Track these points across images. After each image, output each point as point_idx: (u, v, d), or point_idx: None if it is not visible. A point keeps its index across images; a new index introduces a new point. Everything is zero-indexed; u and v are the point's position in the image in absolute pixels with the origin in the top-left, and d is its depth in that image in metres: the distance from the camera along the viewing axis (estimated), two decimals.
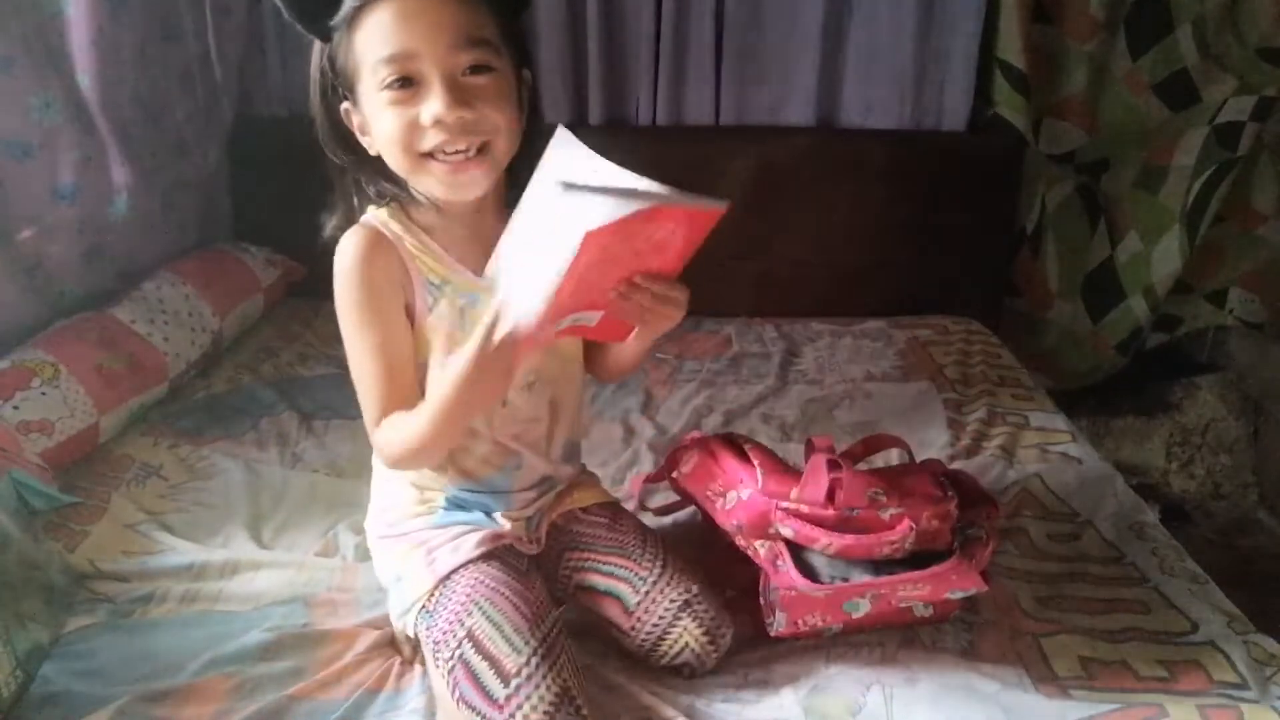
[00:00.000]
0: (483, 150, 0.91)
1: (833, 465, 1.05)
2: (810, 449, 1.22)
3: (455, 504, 1.06)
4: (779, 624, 1.03)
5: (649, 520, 1.26)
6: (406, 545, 1.05)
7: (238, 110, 2.08)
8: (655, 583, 1.03)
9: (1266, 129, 2.06)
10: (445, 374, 0.88)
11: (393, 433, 0.95)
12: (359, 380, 0.97)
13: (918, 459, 1.23)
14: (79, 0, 1.55)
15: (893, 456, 1.34)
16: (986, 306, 2.19)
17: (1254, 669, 1.02)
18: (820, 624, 1.04)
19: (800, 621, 1.04)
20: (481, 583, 0.97)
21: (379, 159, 0.96)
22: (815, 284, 2.17)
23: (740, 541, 1.08)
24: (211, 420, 1.58)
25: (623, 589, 1.04)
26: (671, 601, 1.01)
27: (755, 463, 1.09)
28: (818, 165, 2.11)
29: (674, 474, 1.22)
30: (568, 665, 0.91)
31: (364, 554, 1.21)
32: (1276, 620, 1.13)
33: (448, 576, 0.99)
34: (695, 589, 1.03)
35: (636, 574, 1.04)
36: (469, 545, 1.01)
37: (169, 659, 1.02)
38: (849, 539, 1.01)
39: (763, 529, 1.05)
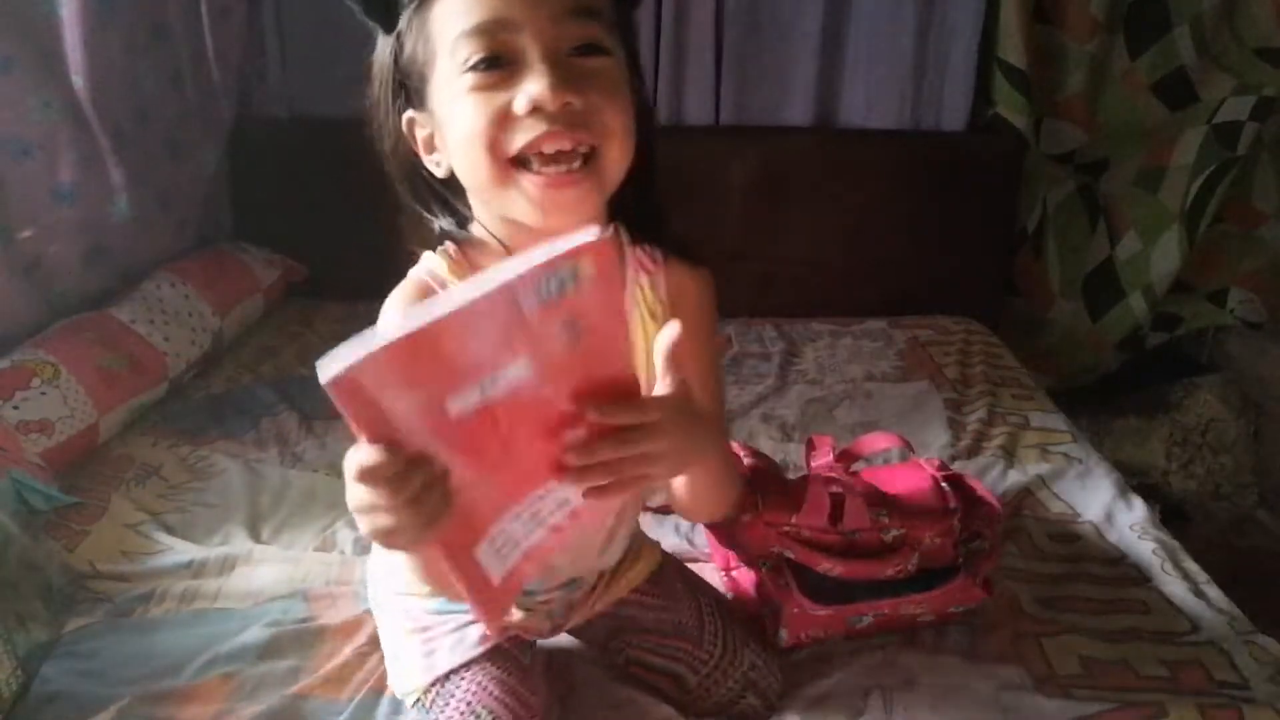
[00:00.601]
0: (589, 161, 0.69)
1: (832, 485, 1.03)
2: (810, 449, 1.22)
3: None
4: (782, 638, 1.03)
5: (649, 519, 1.25)
6: (405, 625, 0.94)
7: (238, 110, 2.08)
8: (717, 664, 0.96)
9: (1266, 129, 2.07)
10: None
11: None
12: None
13: (918, 459, 1.23)
14: (71, 1, 1.55)
15: (893, 455, 1.34)
16: (987, 306, 2.19)
17: (1254, 669, 1.02)
18: (823, 635, 1.05)
19: (804, 635, 1.04)
20: (483, 689, 0.87)
21: (448, 185, 0.76)
22: (815, 284, 2.17)
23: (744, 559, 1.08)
24: (211, 420, 1.58)
25: (682, 670, 0.97)
26: (735, 682, 0.96)
27: (754, 488, 1.07)
28: (818, 165, 2.11)
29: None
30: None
31: (362, 549, 1.22)
32: (1276, 620, 1.13)
33: (446, 676, 0.90)
34: (758, 664, 0.97)
35: (697, 656, 0.96)
36: (471, 639, 0.90)
37: (169, 658, 1.02)
38: (852, 565, 1.01)
39: (764, 549, 1.05)
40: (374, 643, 1.04)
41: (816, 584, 1.02)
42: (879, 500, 1.04)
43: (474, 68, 0.68)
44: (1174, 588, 1.17)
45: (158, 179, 1.83)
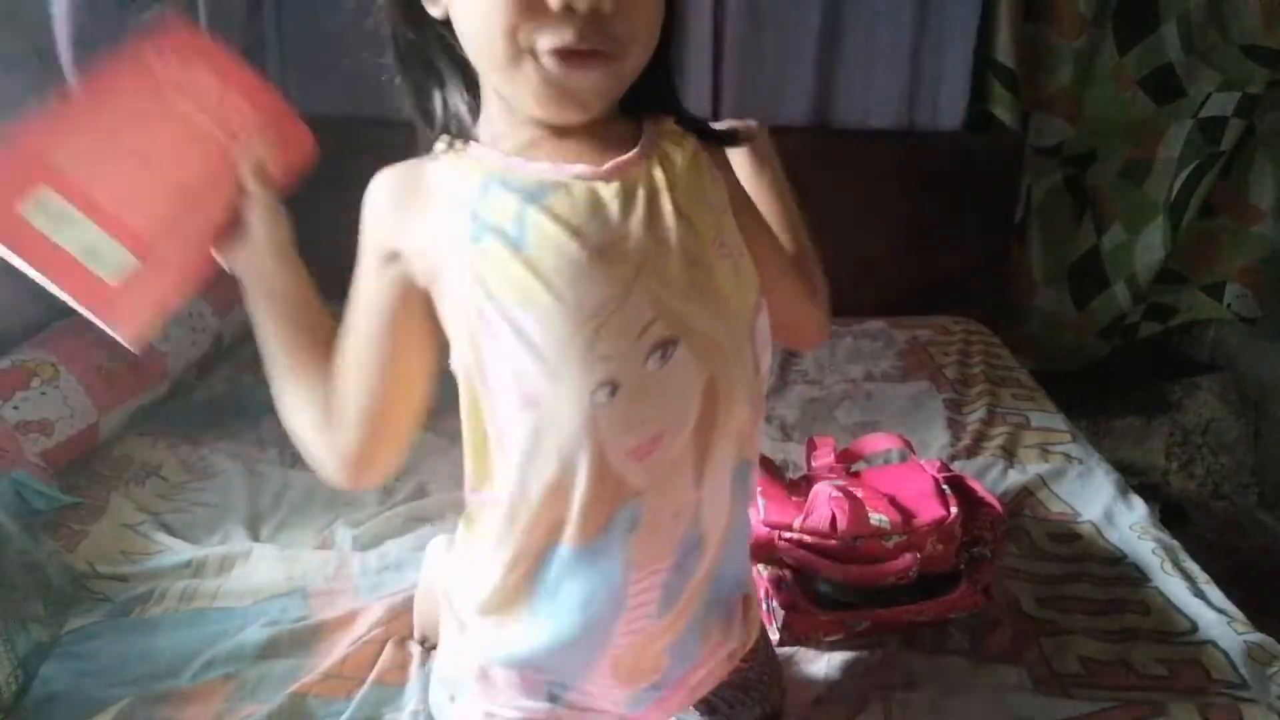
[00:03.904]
0: (610, 57, 0.62)
1: (833, 490, 1.03)
2: (811, 449, 1.22)
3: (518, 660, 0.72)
4: (780, 636, 1.04)
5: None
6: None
7: None
8: (747, 703, 0.89)
9: (1261, 125, 2.08)
10: None
11: None
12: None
13: (919, 459, 1.23)
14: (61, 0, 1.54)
15: (893, 455, 1.34)
16: (986, 304, 2.19)
17: (1254, 669, 1.02)
18: (822, 636, 1.05)
19: (802, 635, 1.04)
20: None
21: (446, 46, 0.68)
22: None
23: None
24: (211, 420, 1.57)
25: (720, 705, 0.89)
26: (753, 710, 0.90)
27: (757, 490, 1.07)
28: (815, 165, 2.11)
29: None
30: None
31: (361, 544, 1.22)
32: (1276, 620, 1.13)
33: None
34: (776, 689, 0.93)
35: (739, 699, 0.88)
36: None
37: (169, 658, 1.02)
38: (853, 570, 1.01)
39: (767, 554, 1.05)
40: (371, 633, 1.05)
41: (818, 590, 1.02)
42: (880, 506, 1.04)
43: None
44: (1174, 588, 1.17)
45: None
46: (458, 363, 0.67)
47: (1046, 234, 2.29)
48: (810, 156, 2.13)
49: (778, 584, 1.04)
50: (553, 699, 0.73)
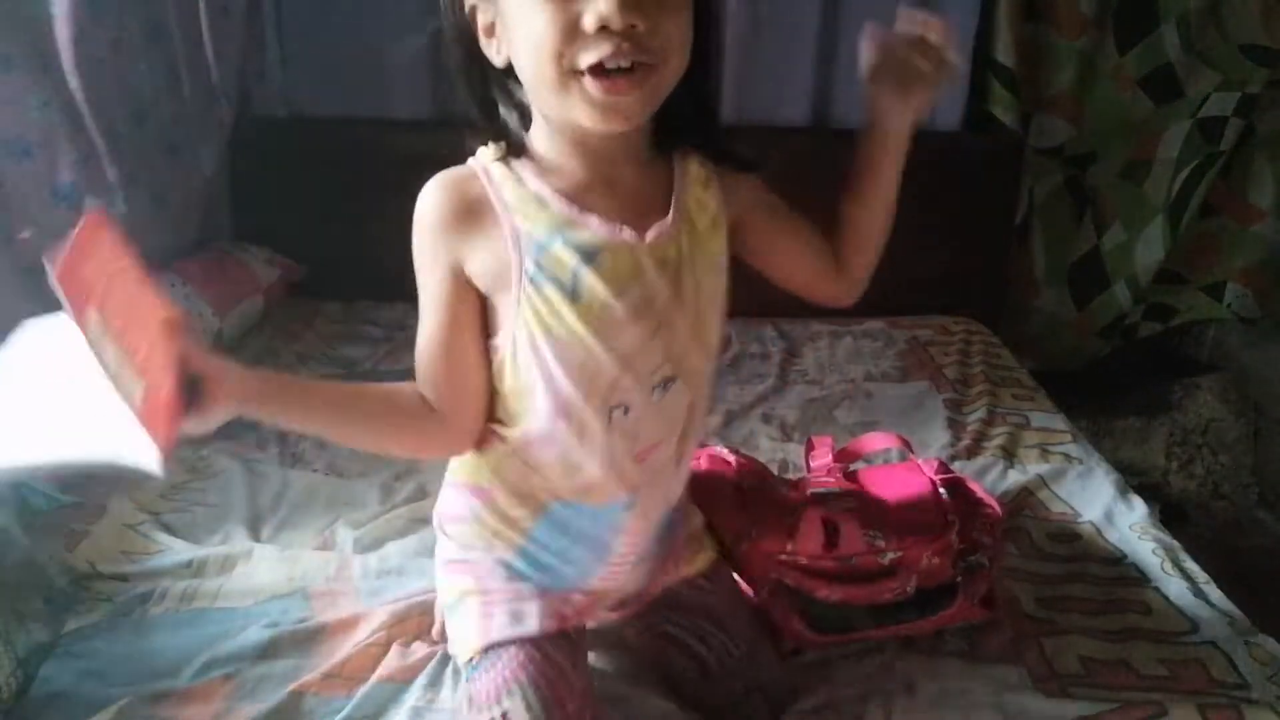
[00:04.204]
0: (645, 72, 0.72)
1: (824, 510, 1.03)
2: (810, 449, 1.22)
3: (536, 555, 0.91)
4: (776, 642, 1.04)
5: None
6: (466, 584, 0.93)
7: (237, 110, 2.08)
8: (739, 661, 0.97)
9: (1262, 124, 2.08)
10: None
11: None
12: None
13: (918, 459, 1.23)
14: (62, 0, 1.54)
15: (892, 454, 1.34)
16: (986, 304, 2.19)
17: (1254, 669, 1.02)
18: (823, 646, 1.05)
19: (802, 647, 1.05)
20: (531, 661, 0.86)
21: (505, 73, 0.78)
22: None
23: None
24: None
25: (708, 655, 0.97)
26: (751, 682, 0.97)
27: (748, 514, 1.07)
28: (815, 165, 2.10)
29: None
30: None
31: (362, 546, 1.22)
32: (1276, 620, 1.13)
33: (498, 644, 0.89)
34: (776, 674, 0.99)
35: (725, 647, 0.97)
36: (531, 617, 0.89)
37: (169, 658, 1.02)
38: (850, 589, 1.00)
39: (762, 575, 1.05)
40: (374, 636, 1.05)
41: (815, 612, 1.02)
42: (874, 520, 1.03)
43: None
44: (1174, 588, 1.17)
45: (156, 179, 1.83)
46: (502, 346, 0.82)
47: (1048, 234, 2.29)
48: (810, 156, 2.13)
49: (775, 606, 1.03)
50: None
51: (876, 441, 1.25)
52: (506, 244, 0.78)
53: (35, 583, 1.08)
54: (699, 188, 0.85)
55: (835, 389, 1.80)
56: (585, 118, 0.73)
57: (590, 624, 1.00)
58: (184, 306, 1.72)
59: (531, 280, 0.78)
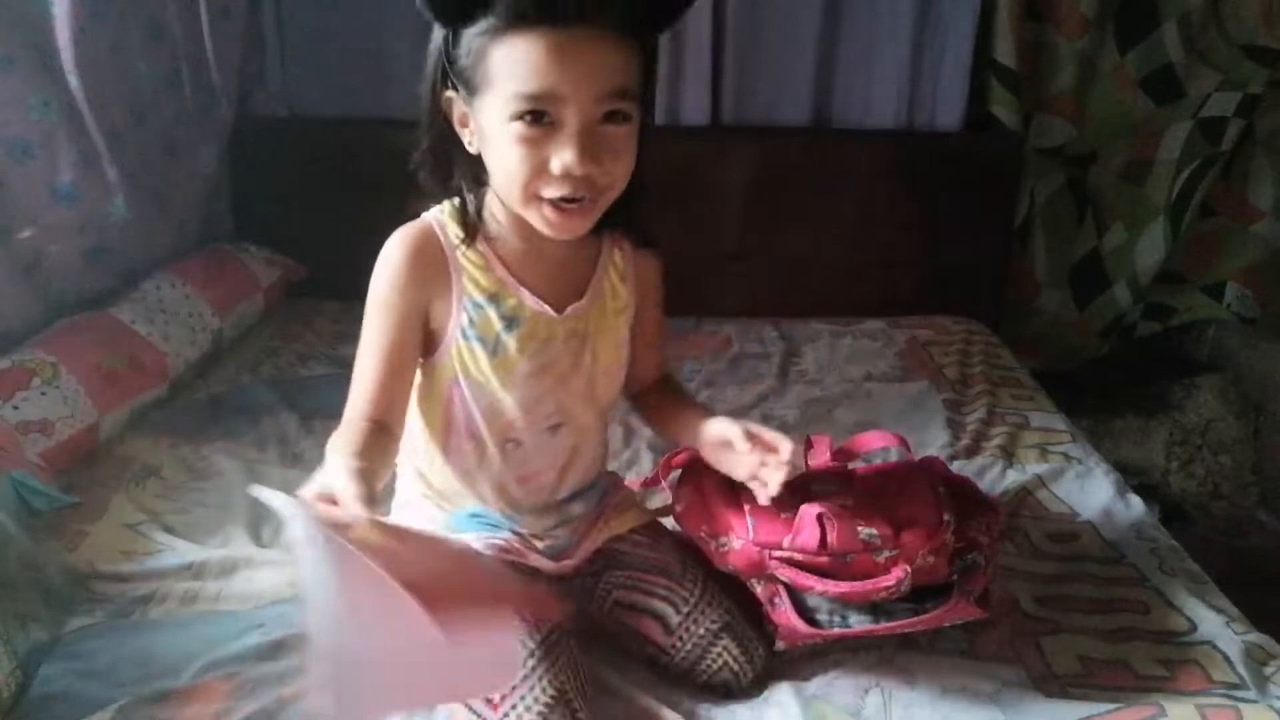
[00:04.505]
0: (592, 201, 0.88)
1: (819, 508, 1.03)
2: (808, 448, 1.22)
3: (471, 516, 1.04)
4: (777, 644, 1.05)
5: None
6: (416, 522, 1.03)
7: (237, 110, 2.08)
8: (696, 604, 1.02)
9: (1261, 125, 2.08)
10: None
11: (336, 439, 0.85)
12: (356, 367, 0.94)
13: (916, 459, 1.22)
14: (62, 0, 1.55)
15: (890, 453, 1.33)
16: (986, 304, 2.19)
17: (1253, 669, 1.02)
18: (819, 641, 1.05)
19: (799, 644, 1.05)
20: None
21: (474, 159, 0.92)
22: (815, 284, 2.17)
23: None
24: (211, 420, 1.58)
25: (663, 608, 1.03)
26: (712, 623, 1.01)
27: (745, 508, 1.06)
28: (815, 165, 2.12)
29: (675, 508, 1.21)
30: (566, 668, 0.91)
31: None
32: (1276, 620, 1.13)
33: None
34: (735, 611, 1.03)
35: (678, 594, 1.03)
36: (478, 545, 0.98)
37: (169, 659, 1.02)
38: (845, 586, 1.00)
39: (759, 572, 1.05)
40: None
41: (810, 604, 1.02)
42: (869, 519, 1.03)
43: (521, 119, 0.83)
44: (1173, 588, 1.17)
45: (156, 179, 1.83)
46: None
47: (1049, 235, 2.29)
48: (810, 157, 2.14)
49: (771, 602, 1.03)
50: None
51: (875, 440, 1.25)
52: (454, 300, 0.94)
53: (35, 583, 1.08)
54: (616, 277, 1.02)
55: (835, 389, 1.80)
56: (541, 228, 0.89)
57: (542, 568, 1.03)
58: (184, 306, 1.72)
59: (464, 333, 0.94)
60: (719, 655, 1.01)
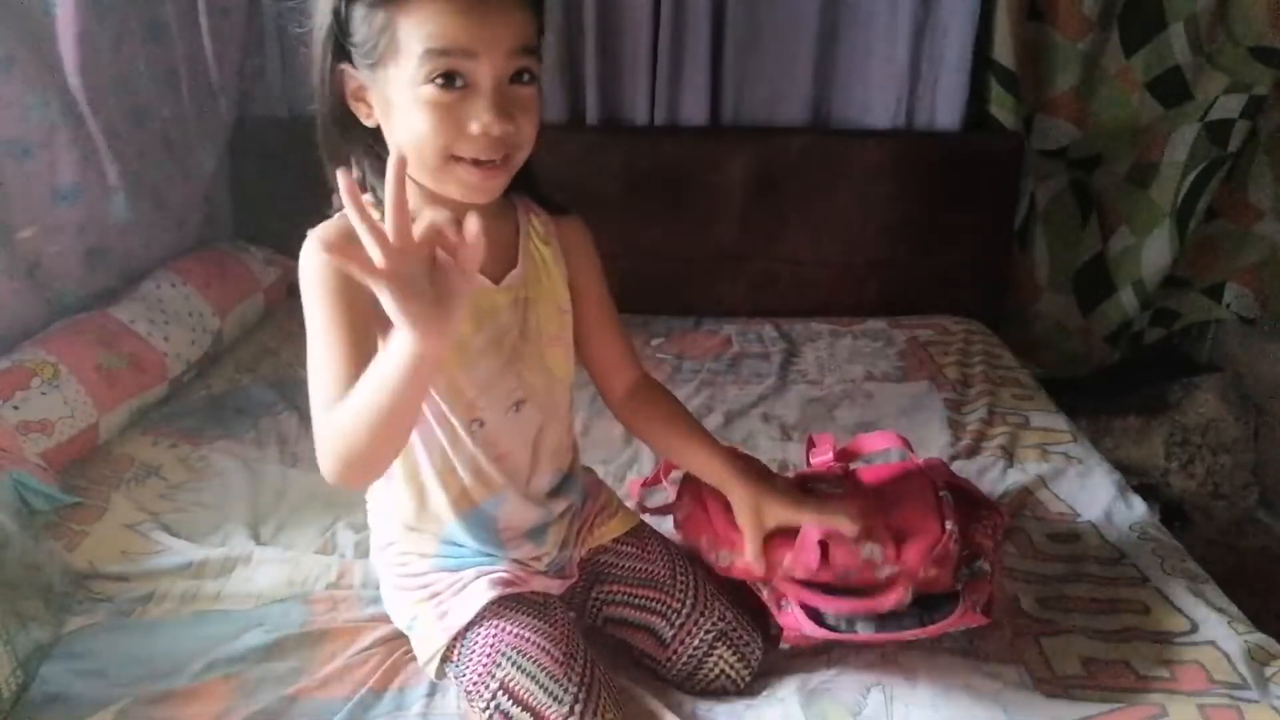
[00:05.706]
0: (506, 160, 0.87)
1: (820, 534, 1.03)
2: (810, 446, 1.22)
3: (452, 542, 1.01)
4: (782, 644, 1.04)
5: (647, 521, 1.25)
6: (416, 595, 1.00)
7: (237, 110, 2.08)
8: (689, 614, 1.02)
9: (1263, 126, 2.07)
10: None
11: (340, 416, 0.81)
12: (313, 366, 0.86)
13: (918, 459, 1.22)
14: (65, 0, 1.54)
15: (892, 454, 1.33)
16: (986, 305, 2.19)
17: (1254, 669, 1.02)
18: (822, 641, 1.04)
19: (799, 642, 1.05)
20: (504, 631, 0.93)
21: (372, 132, 0.89)
22: (815, 284, 2.17)
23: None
24: (211, 420, 1.58)
25: (656, 622, 1.03)
26: (706, 633, 1.01)
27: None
28: (815, 165, 2.11)
29: (676, 515, 1.20)
30: (607, 700, 0.91)
31: (363, 551, 1.22)
32: (1276, 620, 1.13)
33: (464, 631, 0.95)
34: (729, 615, 1.03)
35: (670, 606, 1.03)
36: (480, 592, 0.96)
37: (169, 659, 1.02)
38: (847, 603, 1.00)
39: (762, 581, 1.05)
40: (375, 645, 1.05)
41: (817, 611, 1.02)
42: (870, 534, 1.02)
43: (435, 82, 0.82)
44: (1174, 588, 1.17)
45: (156, 179, 1.83)
46: None
47: (1052, 238, 2.27)
48: (809, 157, 2.13)
49: (778, 605, 1.03)
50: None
51: (877, 441, 1.25)
52: None
53: (35, 583, 1.08)
54: (539, 241, 1.01)
55: (835, 389, 1.80)
56: (458, 193, 0.88)
57: (551, 591, 1.03)
58: (184, 306, 1.72)
59: None
60: (715, 664, 1.01)
